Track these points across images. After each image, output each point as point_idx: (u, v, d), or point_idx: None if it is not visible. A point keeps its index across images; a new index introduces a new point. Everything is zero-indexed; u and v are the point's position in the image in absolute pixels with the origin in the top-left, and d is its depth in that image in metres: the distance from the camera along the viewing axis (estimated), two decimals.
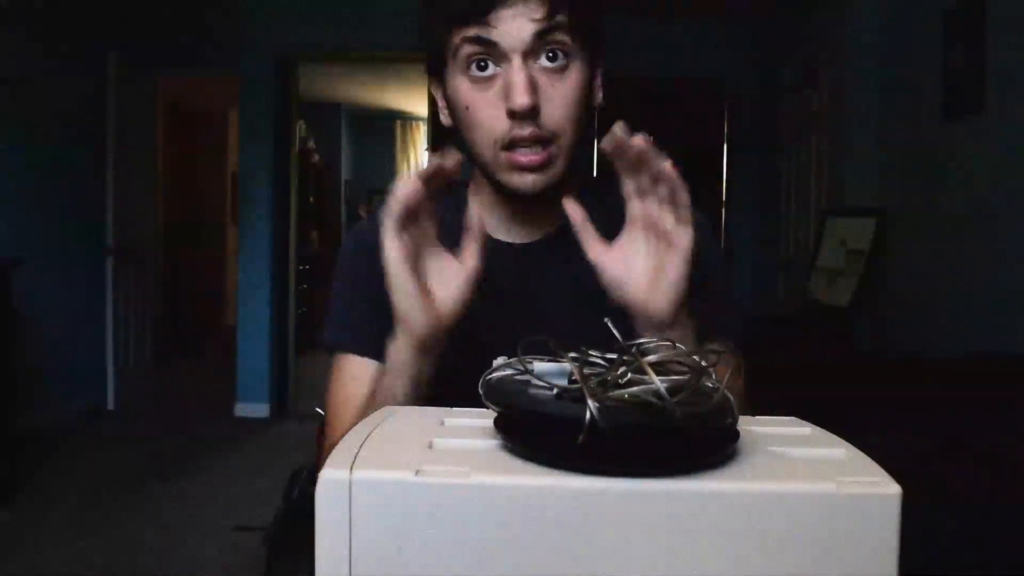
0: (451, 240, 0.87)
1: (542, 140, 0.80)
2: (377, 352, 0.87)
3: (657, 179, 0.69)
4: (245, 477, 3.52)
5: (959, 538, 1.52)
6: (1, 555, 2.64)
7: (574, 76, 0.81)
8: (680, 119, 4.47)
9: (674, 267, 0.71)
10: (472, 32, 0.78)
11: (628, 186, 0.72)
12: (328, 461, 0.45)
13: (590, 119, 0.85)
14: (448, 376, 0.73)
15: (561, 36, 0.78)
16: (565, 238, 0.89)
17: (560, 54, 0.79)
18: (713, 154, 4.83)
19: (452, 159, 0.71)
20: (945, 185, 2.82)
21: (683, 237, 0.70)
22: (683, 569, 0.42)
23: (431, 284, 0.74)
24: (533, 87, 0.78)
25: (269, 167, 4.69)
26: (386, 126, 8.36)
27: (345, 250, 0.97)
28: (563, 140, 0.81)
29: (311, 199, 6.98)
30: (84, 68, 4.46)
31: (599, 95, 0.88)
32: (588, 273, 0.84)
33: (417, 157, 8.27)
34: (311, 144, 7.16)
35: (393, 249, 0.70)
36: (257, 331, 4.73)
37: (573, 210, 0.74)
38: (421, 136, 8.13)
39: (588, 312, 0.68)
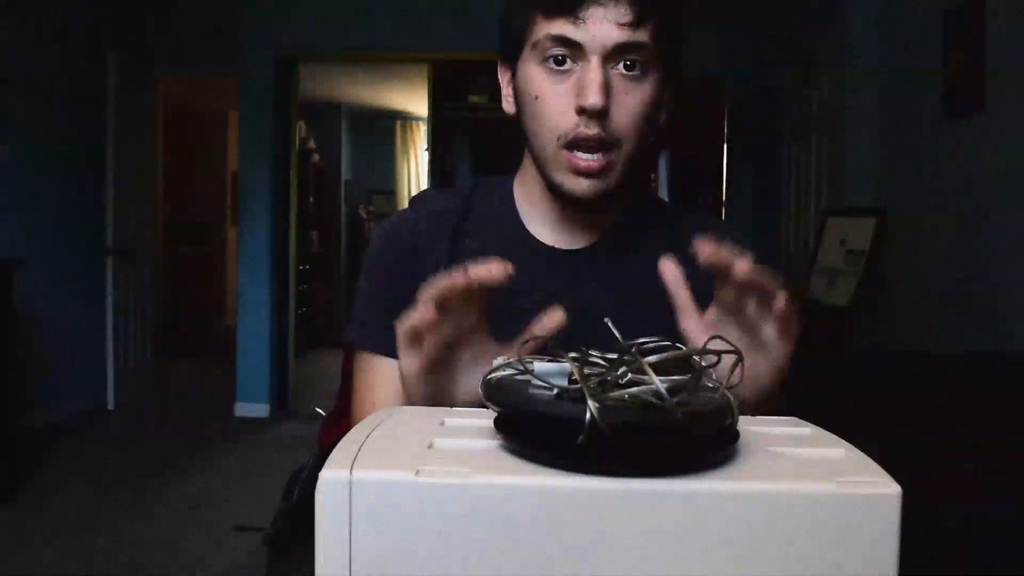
0: (492, 240, 0.88)
1: (605, 144, 0.79)
2: None
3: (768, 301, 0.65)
4: (245, 477, 3.52)
5: (959, 538, 1.52)
6: (2, 554, 2.64)
7: (648, 87, 0.80)
8: (680, 119, 4.47)
9: (767, 376, 0.68)
10: (557, 30, 0.77)
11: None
12: (328, 461, 0.45)
13: (654, 133, 0.84)
14: None
15: (645, 40, 0.78)
16: (612, 246, 0.90)
17: (638, 63, 0.79)
18: (713, 154, 4.83)
19: (499, 270, 0.63)
20: (945, 185, 2.82)
21: (783, 351, 0.67)
22: (683, 569, 0.42)
23: (460, 375, 0.69)
24: (607, 89, 0.77)
25: (269, 167, 4.69)
26: (386, 126, 8.35)
27: (374, 247, 0.93)
28: (625, 147, 0.80)
29: (311, 199, 6.97)
30: (84, 68, 4.46)
31: (666, 112, 0.87)
32: (635, 284, 0.86)
33: (417, 157, 8.26)
34: (311, 144, 7.16)
35: (407, 365, 0.66)
36: (257, 331, 4.72)
37: (670, 272, 0.70)
38: (421, 136, 8.12)
39: (634, 324, 0.65)
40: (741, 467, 0.45)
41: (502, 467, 0.44)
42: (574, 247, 0.89)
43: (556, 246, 0.89)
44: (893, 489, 0.43)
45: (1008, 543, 1.51)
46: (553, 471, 0.43)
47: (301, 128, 5.70)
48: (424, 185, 6.40)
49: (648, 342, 0.54)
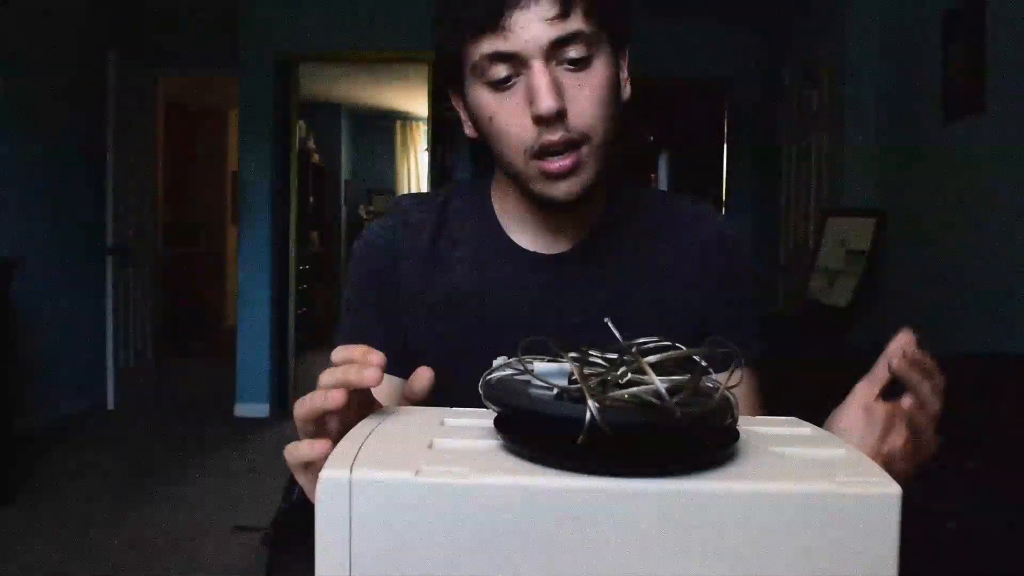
0: (473, 248, 0.87)
1: (572, 143, 0.76)
2: (391, 367, 0.86)
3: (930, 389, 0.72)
4: (245, 477, 3.52)
5: (959, 538, 1.52)
6: (1, 554, 2.64)
7: (599, 71, 0.77)
8: (680, 119, 4.47)
9: (904, 471, 0.71)
10: (489, 48, 0.75)
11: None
12: (328, 461, 0.45)
13: (620, 115, 0.82)
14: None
15: (580, 27, 0.74)
16: (597, 247, 0.87)
17: (583, 47, 0.75)
18: (713, 154, 4.83)
19: (421, 382, 0.65)
20: (945, 185, 2.82)
21: (929, 448, 0.72)
22: (683, 569, 0.42)
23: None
24: (557, 89, 0.74)
25: (269, 167, 4.69)
26: (386, 126, 8.35)
27: (354, 256, 0.92)
28: (594, 139, 0.78)
29: (311, 199, 6.97)
30: (84, 68, 4.46)
31: (627, 88, 0.84)
32: (623, 284, 0.85)
33: (417, 157, 8.26)
34: (311, 144, 7.16)
35: (318, 448, 0.60)
36: (257, 331, 4.72)
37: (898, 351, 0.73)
38: (421, 136, 8.12)
39: (624, 325, 0.64)
40: (741, 467, 0.45)
41: (502, 467, 0.44)
42: (557, 251, 0.87)
43: (538, 251, 0.87)
44: (893, 489, 0.43)
45: (1008, 543, 1.51)
46: (553, 471, 0.43)
47: (301, 128, 5.70)
48: (424, 185, 6.40)
49: (648, 342, 0.54)
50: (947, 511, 1.53)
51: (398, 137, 8.39)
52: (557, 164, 0.77)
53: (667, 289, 0.86)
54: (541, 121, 0.75)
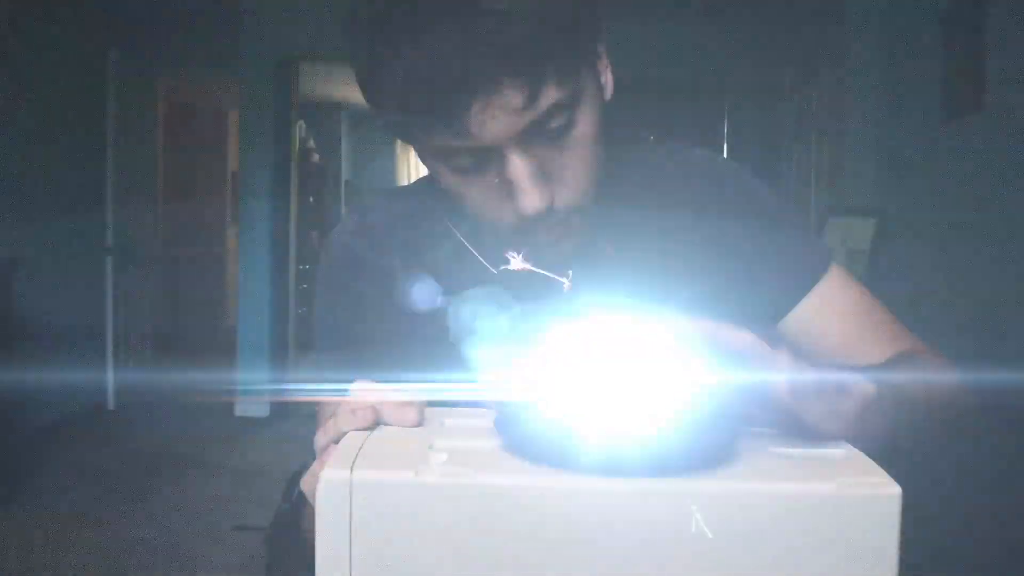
0: (443, 253, 0.77)
1: (561, 219, 0.66)
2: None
3: None
4: (245, 477, 3.52)
5: (959, 538, 1.52)
6: (1, 555, 2.64)
7: (582, 127, 0.63)
8: (680, 119, 4.47)
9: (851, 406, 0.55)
10: (444, 144, 0.61)
11: None
12: (328, 462, 0.45)
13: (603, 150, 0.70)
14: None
15: (556, 99, 0.59)
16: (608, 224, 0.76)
17: (562, 116, 0.61)
18: None
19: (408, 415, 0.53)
20: (945, 185, 2.82)
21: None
22: (683, 569, 0.42)
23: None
24: (542, 175, 0.61)
25: (269, 167, 4.69)
26: None
27: (321, 262, 0.82)
28: (587, 202, 0.67)
29: (311, 199, 6.97)
30: (84, 68, 4.46)
31: (608, 87, 0.70)
32: (625, 260, 0.76)
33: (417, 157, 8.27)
34: (311, 144, 7.15)
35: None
36: (257, 331, 4.72)
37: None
38: None
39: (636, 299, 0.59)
40: (741, 467, 0.45)
41: (502, 467, 0.44)
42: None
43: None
44: (893, 489, 0.43)
45: (1008, 543, 1.51)
46: (553, 471, 0.43)
47: (301, 128, 5.70)
48: None
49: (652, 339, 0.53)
50: (947, 511, 1.53)
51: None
52: (547, 236, 0.66)
53: (683, 252, 0.75)
54: (527, 217, 0.63)
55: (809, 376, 0.52)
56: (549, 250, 0.67)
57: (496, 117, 0.58)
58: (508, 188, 0.62)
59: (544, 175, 0.62)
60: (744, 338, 0.52)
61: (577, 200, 0.65)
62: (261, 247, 4.72)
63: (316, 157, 7.40)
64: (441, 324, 0.75)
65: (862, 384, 0.54)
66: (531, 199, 0.61)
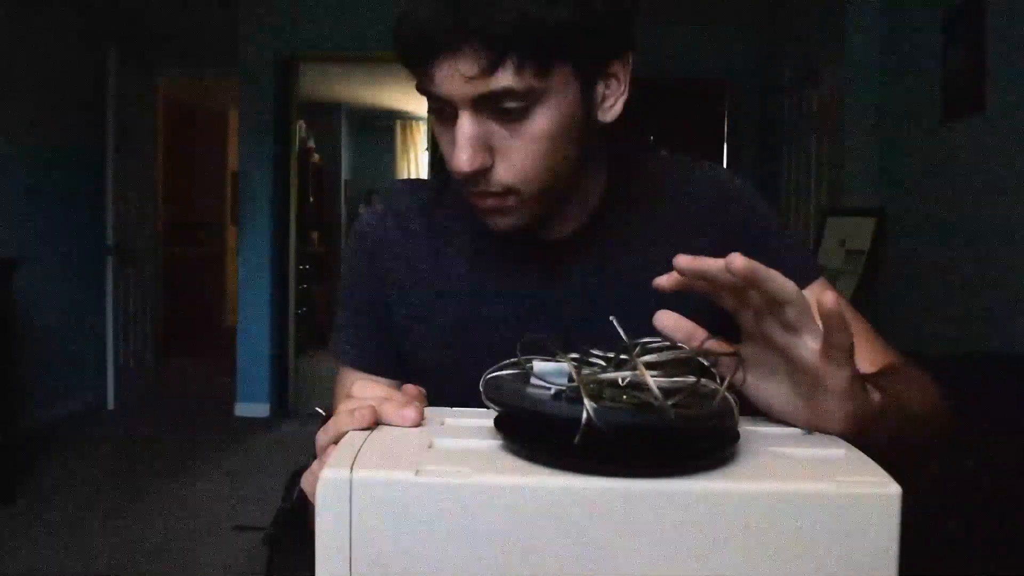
0: (468, 238, 0.81)
1: (495, 193, 0.70)
2: (383, 367, 0.84)
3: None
4: (245, 477, 3.52)
5: (959, 538, 1.52)
6: (2, 554, 2.64)
7: (539, 121, 0.67)
8: (680, 119, 4.47)
9: (839, 420, 0.54)
10: (422, 84, 0.69)
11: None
12: (329, 461, 0.45)
13: (578, 156, 0.73)
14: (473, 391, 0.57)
15: (509, 84, 0.64)
16: (598, 230, 0.80)
17: (515, 101, 0.66)
18: (713, 154, 4.83)
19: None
20: (945, 185, 2.82)
21: (839, 379, 0.52)
22: (683, 569, 0.42)
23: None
24: (482, 143, 0.67)
25: (269, 167, 4.69)
26: (386, 126, 8.35)
27: (346, 252, 0.88)
28: (524, 192, 0.70)
29: (311, 199, 6.97)
30: (84, 67, 4.46)
31: (610, 111, 0.75)
32: (628, 267, 0.78)
33: (417, 157, 8.26)
34: (311, 144, 7.16)
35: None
36: (257, 331, 4.72)
37: (667, 322, 0.58)
38: (421, 136, 8.12)
39: (633, 310, 0.60)
40: (741, 467, 0.45)
41: (502, 467, 0.44)
42: (555, 238, 0.80)
43: (535, 238, 0.80)
44: (893, 489, 0.43)
45: (1008, 543, 1.51)
46: (553, 471, 0.43)
47: (301, 128, 5.70)
48: None
49: (652, 342, 0.54)
50: (947, 511, 1.53)
51: (398, 137, 8.39)
52: (483, 202, 0.72)
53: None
54: (457, 173, 0.69)
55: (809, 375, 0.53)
56: (490, 220, 0.73)
57: (453, 76, 0.65)
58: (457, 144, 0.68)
59: (484, 146, 0.68)
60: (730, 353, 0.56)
61: (514, 181, 0.69)
62: (261, 247, 4.72)
63: (316, 157, 7.40)
64: (465, 306, 0.80)
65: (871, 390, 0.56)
66: (460, 157, 0.67)
